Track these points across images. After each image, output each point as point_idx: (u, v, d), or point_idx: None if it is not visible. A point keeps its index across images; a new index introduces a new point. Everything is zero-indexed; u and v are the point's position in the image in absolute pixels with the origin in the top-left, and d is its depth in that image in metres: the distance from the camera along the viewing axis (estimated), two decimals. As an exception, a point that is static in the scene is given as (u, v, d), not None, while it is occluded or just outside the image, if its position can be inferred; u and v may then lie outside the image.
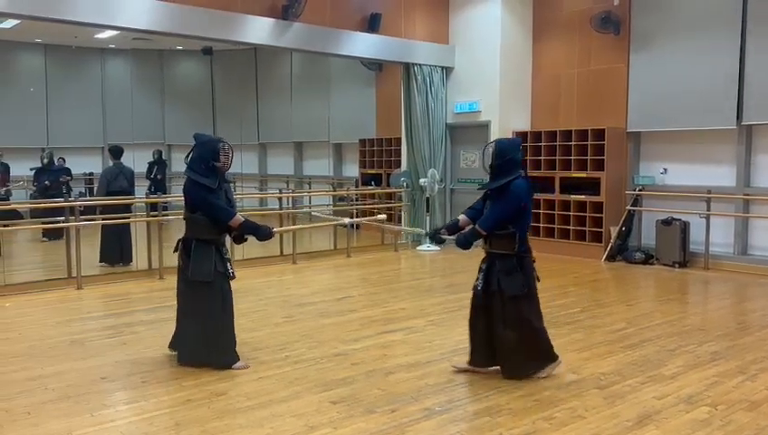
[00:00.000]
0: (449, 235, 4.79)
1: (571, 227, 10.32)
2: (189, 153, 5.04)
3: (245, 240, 5.14)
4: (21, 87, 16.68)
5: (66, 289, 7.66)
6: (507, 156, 4.55)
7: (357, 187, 13.84)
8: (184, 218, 5.08)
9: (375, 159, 14.03)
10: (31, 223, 11.63)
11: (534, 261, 4.77)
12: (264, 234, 4.99)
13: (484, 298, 4.67)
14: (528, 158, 10.79)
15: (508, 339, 4.52)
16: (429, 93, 11.18)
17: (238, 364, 4.83)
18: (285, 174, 16.85)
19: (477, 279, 4.76)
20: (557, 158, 10.46)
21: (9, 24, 13.60)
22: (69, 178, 13.20)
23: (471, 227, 4.67)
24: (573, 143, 10.24)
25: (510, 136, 10.88)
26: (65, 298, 7.32)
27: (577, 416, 3.95)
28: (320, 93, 15.80)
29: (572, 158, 10.26)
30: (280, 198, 10.96)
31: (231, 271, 4.98)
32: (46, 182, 12.24)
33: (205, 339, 4.82)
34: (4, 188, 14.46)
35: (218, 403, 4.14)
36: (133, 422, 3.84)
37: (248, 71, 17.72)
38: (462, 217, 4.82)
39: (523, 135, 10.92)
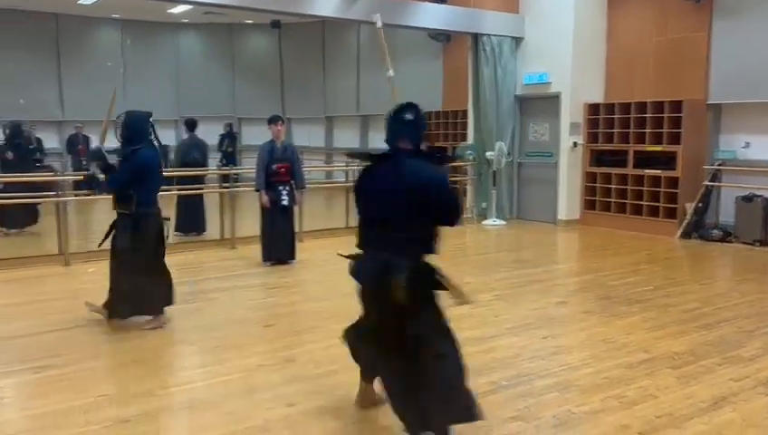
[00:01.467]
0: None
1: (644, 203, 9.99)
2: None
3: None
4: (99, 62, 17.28)
5: (144, 256, 7.98)
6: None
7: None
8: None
9: (441, 132, 13.92)
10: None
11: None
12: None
13: None
14: (600, 130, 10.51)
15: None
16: (498, 64, 10.96)
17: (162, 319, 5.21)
18: (351, 147, 16.93)
19: None
20: (631, 131, 10.10)
21: (89, 0, 14.14)
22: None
23: None
24: (648, 115, 9.86)
25: (581, 109, 10.61)
26: (143, 265, 7.64)
27: (648, 395, 3.87)
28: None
29: (647, 131, 9.90)
30: (346, 172, 11.06)
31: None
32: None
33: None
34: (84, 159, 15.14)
35: (289, 369, 4.27)
36: (209, 385, 4.01)
37: (316, 44, 17.82)
38: None
39: (595, 107, 10.62)
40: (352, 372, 4.19)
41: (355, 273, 3.29)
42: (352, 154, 10.37)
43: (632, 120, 10.08)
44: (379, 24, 4.51)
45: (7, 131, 11.51)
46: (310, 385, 3.98)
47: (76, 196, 9.34)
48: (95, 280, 6.83)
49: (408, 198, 3.08)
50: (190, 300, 6.05)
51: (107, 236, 5.12)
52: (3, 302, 5.93)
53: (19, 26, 15.90)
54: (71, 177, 9.40)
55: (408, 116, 3.26)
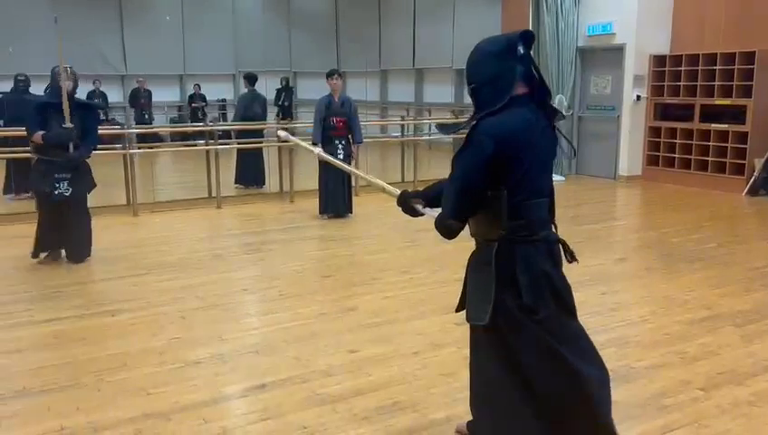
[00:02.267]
0: (429, 206, 2.66)
1: (709, 159, 9.66)
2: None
3: (72, 159, 5.49)
4: (159, 17, 17.52)
5: (207, 208, 8.25)
6: (480, 75, 2.45)
7: (479, 114, 13.59)
8: None
9: (499, 85, 13.66)
10: (171, 146, 12.46)
11: (570, 255, 2.61)
12: (64, 140, 5.44)
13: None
14: (666, 84, 10.14)
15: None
16: (559, 15, 10.64)
17: (45, 256, 5.69)
18: (406, 101, 16.83)
19: None
20: (698, 84, 9.71)
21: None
22: None
23: None
24: (718, 68, 9.44)
25: (646, 61, 10.24)
26: (207, 216, 7.90)
27: (710, 352, 3.84)
28: (443, 17, 15.46)
29: (716, 84, 9.50)
30: (402, 126, 11.04)
31: (58, 191, 5.45)
32: None
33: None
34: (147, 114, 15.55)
35: (349, 318, 4.40)
36: (273, 331, 4.18)
37: (372, -5, 17.62)
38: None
39: (661, 59, 10.22)
40: (411, 322, 4.31)
41: None
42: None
43: (700, 72, 9.68)
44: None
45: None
46: (370, 333, 4.10)
47: (139, 147, 9.63)
48: (162, 229, 7.14)
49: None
50: (253, 250, 6.25)
51: None
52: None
53: (83, -19, 16.23)
54: (136, 130, 9.66)
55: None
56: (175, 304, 4.66)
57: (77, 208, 5.64)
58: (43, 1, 16.11)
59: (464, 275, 2.64)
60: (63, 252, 5.75)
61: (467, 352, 3.78)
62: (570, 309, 2.55)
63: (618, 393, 3.28)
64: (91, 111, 5.89)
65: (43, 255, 5.70)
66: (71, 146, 5.45)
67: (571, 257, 2.57)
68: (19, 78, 9.29)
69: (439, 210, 2.51)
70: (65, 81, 5.35)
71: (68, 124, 5.38)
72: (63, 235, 5.65)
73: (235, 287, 5.14)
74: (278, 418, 3.06)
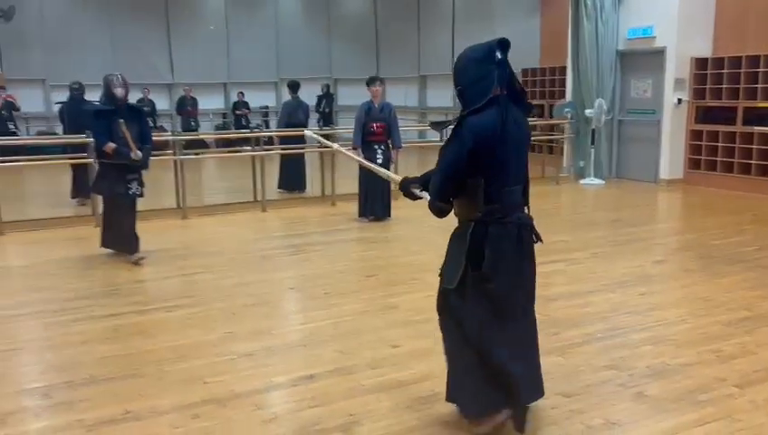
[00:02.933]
0: (424, 191, 3.12)
1: (752, 162, 9.56)
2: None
3: (141, 166, 5.88)
4: (204, 27, 18.06)
5: (252, 211, 8.54)
6: (464, 78, 2.83)
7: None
8: None
9: (537, 89, 13.72)
10: (217, 152, 12.87)
11: (532, 235, 2.95)
12: (125, 157, 5.72)
13: None
14: (708, 87, 10.08)
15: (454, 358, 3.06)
16: (599, 19, 10.65)
17: (132, 256, 5.94)
18: (444, 106, 16.97)
19: None
20: (741, 86, 9.63)
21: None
22: None
23: None
24: (761, 70, 9.35)
25: (687, 64, 10.18)
26: (252, 219, 8.18)
27: (747, 351, 3.90)
28: (482, 23, 15.56)
29: (759, 86, 9.40)
30: (441, 132, 11.16)
31: (132, 191, 5.86)
32: None
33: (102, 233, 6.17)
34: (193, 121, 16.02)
35: (390, 315, 4.58)
36: (319, 326, 4.38)
37: (411, 2, 17.82)
38: None
39: (702, 62, 10.16)
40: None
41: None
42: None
43: (743, 74, 9.60)
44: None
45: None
46: (411, 330, 4.28)
47: (186, 154, 10.00)
48: (212, 231, 7.44)
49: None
50: (297, 251, 6.49)
51: None
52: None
53: (132, -6, 16.85)
54: (183, 137, 10.02)
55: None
56: (226, 301, 4.91)
57: (135, 206, 6.04)
58: (95, 13, 16.80)
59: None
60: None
61: (505, 347, 3.94)
62: (524, 286, 2.94)
63: (653, 389, 3.41)
64: (142, 114, 6.26)
65: (124, 261, 5.96)
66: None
67: (537, 238, 2.96)
68: (73, 86, 9.67)
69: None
70: (119, 88, 5.72)
71: (136, 155, 5.72)
72: (126, 232, 5.94)
73: (283, 286, 5.38)
74: (326, 405, 3.26)
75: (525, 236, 2.89)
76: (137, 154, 5.73)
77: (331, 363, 3.76)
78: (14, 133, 13.22)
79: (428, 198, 2.98)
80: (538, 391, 3.03)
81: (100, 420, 3.15)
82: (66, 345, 4.08)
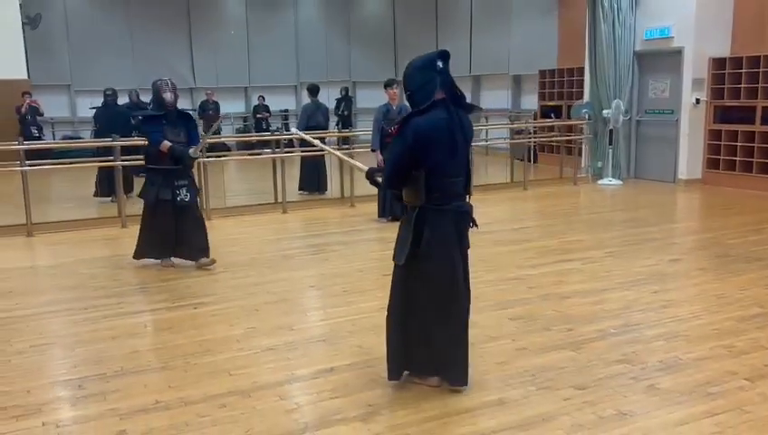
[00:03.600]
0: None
1: (772, 161, 9.55)
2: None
3: (188, 166, 5.86)
4: (226, 31, 18.34)
5: (273, 212, 8.71)
6: (414, 83, 3.31)
7: (535, 119, 13.73)
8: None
9: (555, 90, 13.77)
10: (239, 154, 13.05)
11: (468, 221, 3.42)
12: (186, 157, 5.70)
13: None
14: (726, 86, 10.07)
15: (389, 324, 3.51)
16: (616, 20, 10.70)
17: (163, 262, 5.92)
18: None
19: None
20: (759, 86, 9.62)
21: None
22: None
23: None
24: (781, 69, 9.34)
25: (705, 64, 10.18)
26: (274, 220, 8.35)
27: (759, 346, 3.96)
28: (500, 25, 15.67)
29: (778, 85, 9.40)
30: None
31: (180, 198, 5.76)
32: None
33: (139, 239, 6.03)
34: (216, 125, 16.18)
35: (409, 312, 4.69)
36: (339, 322, 4.52)
37: (429, 5, 17.98)
38: None
39: (720, 62, 10.16)
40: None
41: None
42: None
43: (761, 74, 9.59)
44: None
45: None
46: (429, 326, 4.39)
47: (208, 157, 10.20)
48: (234, 232, 7.61)
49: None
50: (317, 251, 6.63)
51: None
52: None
53: (155, 0, 17.17)
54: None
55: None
56: (249, 299, 5.06)
57: (195, 212, 5.97)
58: (118, 19, 17.14)
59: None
60: (173, 259, 5.99)
61: (521, 344, 4.07)
62: (458, 265, 3.38)
63: (664, 382, 3.50)
64: (191, 119, 6.16)
65: (151, 261, 5.96)
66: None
67: (473, 224, 3.44)
68: (107, 92, 10.23)
69: None
70: (168, 93, 5.71)
71: (196, 153, 5.81)
72: (181, 240, 5.86)
73: (303, 284, 5.52)
74: (346, 396, 3.39)
75: (462, 221, 3.36)
76: (195, 151, 5.77)
77: (351, 357, 3.89)
78: (38, 138, 13.57)
79: None
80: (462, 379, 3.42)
81: (132, 409, 3.31)
82: (97, 340, 4.26)
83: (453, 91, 3.30)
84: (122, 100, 11.49)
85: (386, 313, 3.49)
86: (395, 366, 3.44)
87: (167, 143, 5.66)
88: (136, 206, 9.06)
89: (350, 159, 4.50)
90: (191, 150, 5.76)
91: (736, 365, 3.69)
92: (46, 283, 5.72)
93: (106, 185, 9.31)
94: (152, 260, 6.03)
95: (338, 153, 4.89)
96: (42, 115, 14.21)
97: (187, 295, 5.20)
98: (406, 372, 3.50)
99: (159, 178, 5.77)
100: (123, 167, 8.08)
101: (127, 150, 8.25)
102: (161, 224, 5.83)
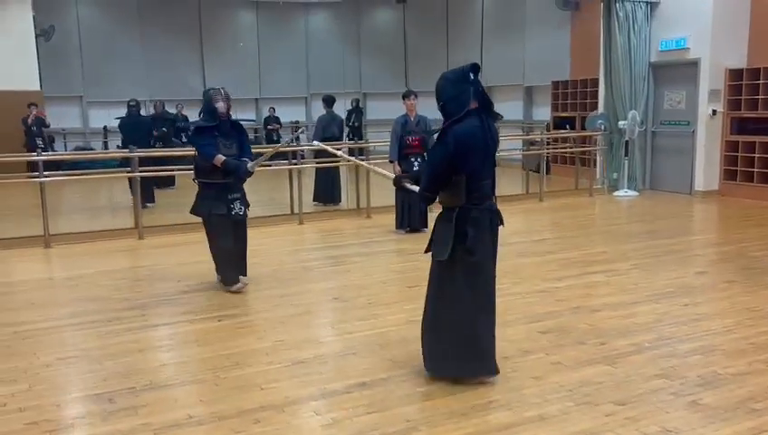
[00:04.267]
0: (416, 184, 3.94)
1: (791, 173, 9.48)
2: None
3: (242, 180, 5.54)
4: (236, 44, 18.41)
5: (290, 224, 8.67)
6: (446, 95, 3.56)
7: (548, 130, 13.68)
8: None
9: (569, 101, 13.74)
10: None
11: (500, 221, 3.68)
12: (241, 172, 5.42)
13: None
14: (743, 98, 10.03)
15: (425, 322, 3.80)
16: (632, 31, 10.67)
17: (235, 286, 5.47)
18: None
19: None
20: (777, 97, 9.57)
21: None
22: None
23: None
24: (799, 80, 9.29)
25: (722, 75, 10.15)
26: (290, 231, 8.31)
27: (798, 361, 3.89)
28: (512, 35, 15.66)
29: (796, 96, 9.34)
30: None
31: (235, 211, 5.48)
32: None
33: (215, 259, 5.67)
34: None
35: (437, 325, 4.63)
36: (367, 335, 4.46)
37: (440, 16, 17.99)
38: None
39: (737, 73, 10.11)
40: (499, 329, 4.50)
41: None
42: None
43: (779, 85, 9.54)
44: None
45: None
46: (459, 339, 4.32)
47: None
48: (252, 243, 7.55)
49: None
50: (338, 263, 6.58)
51: None
52: (175, 262, 6.72)
53: (167, 13, 17.28)
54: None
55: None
56: (274, 311, 5.01)
57: (246, 228, 5.69)
58: (130, 31, 17.22)
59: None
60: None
61: (556, 358, 4.00)
62: (493, 258, 3.70)
63: (706, 397, 3.43)
64: (243, 130, 5.82)
65: (237, 286, 5.48)
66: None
67: (501, 222, 3.69)
68: (130, 103, 10.48)
69: (417, 188, 3.82)
70: (221, 102, 5.39)
71: (254, 168, 5.50)
72: (240, 255, 5.62)
73: (326, 296, 5.47)
74: (383, 412, 3.33)
75: (494, 219, 3.63)
76: (254, 167, 5.50)
77: (383, 371, 3.83)
78: (43, 149, 13.51)
79: (416, 189, 3.83)
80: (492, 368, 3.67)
81: (165, 424, 3.25)
82: (124, 353, 4.21)
83: (484, 99, 3.56)
84: (146, 110, 11.55)
85: (427, 315, 3.74)
86: (436, 364, 3.69)
87: (220, 157, 5.33)
88: (153, 216, 9.15)
89: (376, 168, 4.75)
90: (249, 165, 5.47)
91: (778, 381, 3.62)
92: (67, 295, 5.67)
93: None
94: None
95: (364, 163, 5.07)
96: (48, 126, 14.16)
97: (210, 308, 5.14)
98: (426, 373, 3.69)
99: (212, 193, 5.44)
100: (143, 178, 8.04)
101: (146, 161, 8.22)
102: (225, 240, 5.49)
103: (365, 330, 4.57)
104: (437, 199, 3.66)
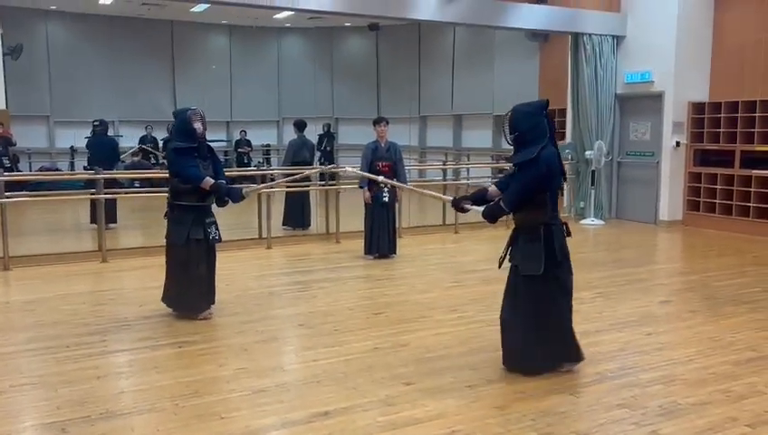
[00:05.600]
0: (475, 205, 4.39)
1: (751, 205, 9.71)
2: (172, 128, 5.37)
3: (226, 202, 5.43)
4: (209, 66, 18.37)
5: (258, 248, 8.59)
6: (525, 125, 4.06)
7: (518, 159, 13.82)
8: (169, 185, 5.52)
9: (537, 131, 13.92)
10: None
11: (568, 232, 4.20)
12: (235, 195, 5.33)
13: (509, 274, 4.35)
14: (705, 130, 10.30)
15: (515, 325, 4.21)
16: (598, 63, 10.92)
17: (203, 314, 5.34)
18: (444, 146, 17.20)
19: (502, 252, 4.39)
20: (738, 130, 9.84)
21: (201, 8, 15.09)
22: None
23: (498, 199, 4.22)
24: (758, 115, 9.58)
25: (685, 108, 10.42)
26: (258, 256, 8.23)
27: (757, 391, 3.94)
28: (482, 65, 15.91)
29: (756, 130, 9.61)
30: (444, 170, 11.36)
31: (212, 236, 5.36)
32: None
33: (180, 286, 5.37)
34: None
35: (402, 353, 4.61)
36: (332, 363, 4.41)
37: (411, 45, 18.20)
38: (492, 188, 4.44)
39: (700, 106, 10.40)
40: (464, 357, 4.50)
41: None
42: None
43: (740, 119, 9.82)
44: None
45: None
46: (424, 367, 4.31)
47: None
48: (218, 267, 7.45)
49: None
50: (304, 288, 6.52)
51: None
52: (137, 286, 6.60)
53: (139, 34, 17.18)
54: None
55: None
56: (237, 338, 4.93)
57: (215, 252, 5.56)
58: (100, 52, 17.08)
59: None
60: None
61: (520, 387, 4.00)
62: (570, 267, 4.25)
63: (666, 428, 3.46)
64: (213, 151, 5.64)
65: (205, 313, 5.40)
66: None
67: (568, 233, 4.21)
68: (95, 123, 10.35)
69: (481, 208, 4.31)
70: (198, 122, 5.25)
71: (247, 193, 5.38)
72: (203, 285, 5.44)
73: (292, 322, 5.40)
74: (344, 442, 3.28)
75: (565, 231, 4.18)
76: (249, 193, 5.41)
77: (346, 400, 3.78)
78: (9, 169, 13.26)
79: (478, 210, 4.34)
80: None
81: (119, 454, 3.16)
82: (81, 380, 4.09)
83: (552, 130, 4.14)
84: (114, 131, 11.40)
85: (503, 317, 4.30)
86: (527, 362, 4.15)
87: (209, 180, 5.21)
88: (117, 239, 9.00)
89: (432, 193, 5.32)
90: (244, 191, 5.36)
91: (736, 411, 3.66)
92: (25, 319, 5.51)
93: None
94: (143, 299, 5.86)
95: (418, 189, 5.63)
96: (14, 145, 13.90)
97: (171, 334, 5.04)
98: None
99: (190, 217, 5.28)
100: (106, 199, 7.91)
101: (110, 182, 8.10)
102: (199, 266, 5.34)
103: (330, 357, 4.51)
104: (517, 222, 4.18)
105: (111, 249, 7.97)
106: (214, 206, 5.52)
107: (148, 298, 6.02)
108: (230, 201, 5.39)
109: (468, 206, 4.44)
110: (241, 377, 4.15)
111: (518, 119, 4.09)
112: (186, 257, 5.33)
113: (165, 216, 5.49)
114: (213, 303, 5.53)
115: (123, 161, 11.64)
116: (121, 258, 7.83)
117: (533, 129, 4.05)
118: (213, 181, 5.26)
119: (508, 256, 4.26)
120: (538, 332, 4.12)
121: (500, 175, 12.25)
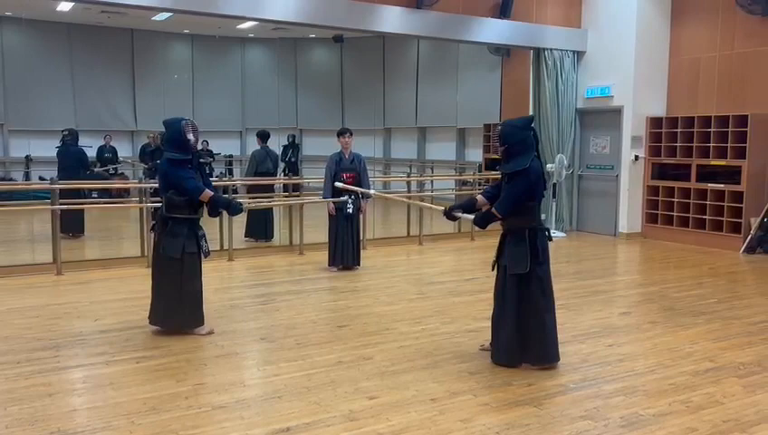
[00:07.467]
0: (465, 213, 4.79)
1: (707, 217, 9.95)
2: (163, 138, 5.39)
3: (220, 213, 5.40)
4: (170, 75, 18.11)
5: (219, 260, 8.43)
6: (514, 139, 4.44)
7: (480, 171, 13.94)
8: (160, 198, 5.44)
9: (498, 143, 14.05)
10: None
11: (549, 237, 4.62)
12: (235, 209, 5.41)
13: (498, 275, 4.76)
14: (663, 144, 10.54)
15: (505, 323, 4.55)
16: (559, 78, 11.10)
17: (206, 329, 5.26)
18: (408, 158, 17.25)
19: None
20: (694, 145, 10.09)
21: (162, 16, 14.87)
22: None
23: (488, 208, 4.63)
24: (713, 130, 9.84)
25: (643, 122, 10.65)
26: (219, 268, 8.08)
27: (714, 401, 4.00)
28: (446, 79, 16.03)
29: (711, 145, 9.87)
30: (408, 182, 11.36)
31: (205, 249, 5.30)
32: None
33: (167, 306, 5.23)
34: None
35: (366, 366, 4.55)
36: (294, 378, 4.33)
37: (376, 57, 18.25)
38: (479, 198, 4.81)
39: (657, 121, 10.64)
40: (428, 370, 4.47)
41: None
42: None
43: (695, 134, 10.07)
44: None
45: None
46: (388, 380, 4.26)
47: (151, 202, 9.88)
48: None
49: None
50: (267, 301, 6.43)
51: None
52: (94, 299, 6.42)
53: (99, 41, 16.86)
54: (148, 185, 9.93)
55: None
56: (196, 352, 4.81)
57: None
58: (57, 59, 16.70)
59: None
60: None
61: (484, 399, 3.98)
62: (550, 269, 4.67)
63: (628, 439, 3.44)
64: (202, 163, 5.55)
65: (208, 328, 5.28)
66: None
67: (549, 238, 4.62)
68: (63, 132, 10.35)
69: (471, 216, 4.72)
70: (191, 133, 5.15)
71: (244, 205, 5.27)
72: (193, 300, 5.32)
73: (253, 336, 5.30)
74: (306, 459, 3.21)
75: (548, 235, 4.60)
76: (247, 206, 5.28)
77: (309, 416, 3.71)
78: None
79: (468, 217, 4.76)
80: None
81: (71, 476, 3.03)
82: (32, 398, 3.93)
83: (537, 143, 4.55)
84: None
85: (493, 315, 4.63)
86: (511, 357, 4.51)
87: (208, 192, 5.15)
88: (74, 252, 8.74)
89: (425, 204, 5.98)
90: (243, 205, 5.23)
91: (696, 422, 3.71)
92: (-27, 334, 5.30)
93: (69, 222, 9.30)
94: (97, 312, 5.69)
95: (411, 200, 6.76)
96: None
97: (128, 348, 4.90)
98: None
99: (185, 230, 5.17)
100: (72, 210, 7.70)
101: (74, 192, 7.89)
102: (195, 281, 5.27)
103: (292, 372, 4.44)
104: (506, 227, 4.56)
105: (68, 261, 7.74)
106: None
107: (105, 312, 5.86)
108: (236, 214, 5.47)
109: (459, 214, 4.80)
110: (200, 393, 4.04)
111: (508, 132, 4.47)
112: (179, 271, 5.19)
113: (152, 229, 5.34)
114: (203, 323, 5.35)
115: (92, 171, 11.39)
116: (77, 271, 7.61)
117: (521, 142, 4.43)
118: (212, 193, 5.21)
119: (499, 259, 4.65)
120: (520, 331, 4.48)
121: (465, 187, 12.38)
